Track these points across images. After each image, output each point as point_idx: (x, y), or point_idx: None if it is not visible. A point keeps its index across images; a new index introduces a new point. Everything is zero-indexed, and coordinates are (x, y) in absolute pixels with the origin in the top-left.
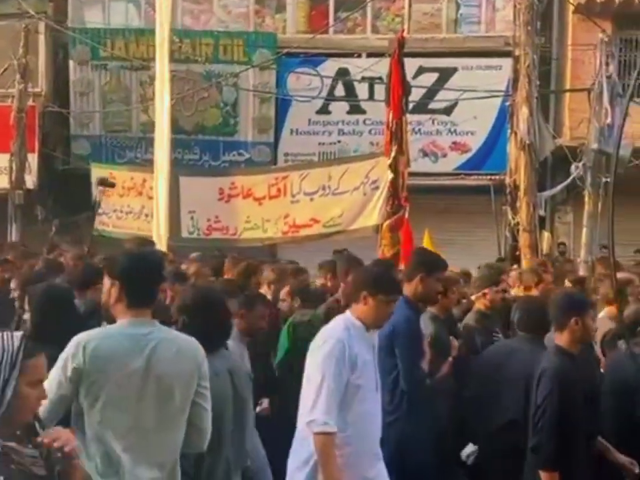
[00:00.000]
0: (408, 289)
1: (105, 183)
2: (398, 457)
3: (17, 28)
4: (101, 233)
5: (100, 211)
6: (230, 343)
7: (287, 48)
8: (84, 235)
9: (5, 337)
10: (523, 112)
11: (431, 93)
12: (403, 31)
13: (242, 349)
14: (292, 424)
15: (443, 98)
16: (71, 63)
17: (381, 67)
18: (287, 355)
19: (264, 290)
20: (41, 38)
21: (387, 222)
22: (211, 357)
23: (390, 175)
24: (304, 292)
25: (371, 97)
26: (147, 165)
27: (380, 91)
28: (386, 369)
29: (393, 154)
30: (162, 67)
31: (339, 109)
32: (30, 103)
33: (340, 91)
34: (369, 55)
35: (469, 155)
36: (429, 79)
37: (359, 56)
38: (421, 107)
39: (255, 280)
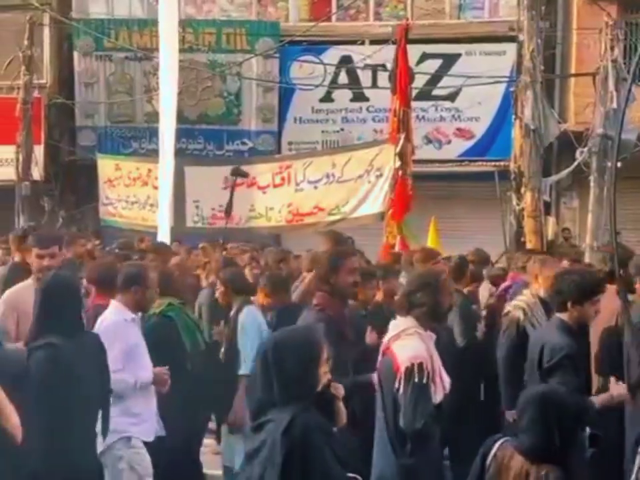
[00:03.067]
0: None
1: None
2: None
3: (21, 20)
4: (107, 223)
5: (106, 201)
6: None
7: (290, 36)
8: (89, 226)
9: None
10: (528, 97)
11: (435, 79)
12: (408, 19)
13: None
14: None
15: (446, 84)
16: (76, 54)
17: (384, 54)
18: None
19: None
20: (46, 30)
21: (391, 210)
22: None
23: (398, 163)
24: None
25: (374, 84)
26: (152, 155)
27: (383, 78)
28: None
29: (401, 142)
30: (170, 56)
31: (342, 96)
32: (35, 94)
33: (343, 78)
34: (372, 42)
35: (473, 141)
36: (433, 65)
37: (362, 43)
38: (425, 94)
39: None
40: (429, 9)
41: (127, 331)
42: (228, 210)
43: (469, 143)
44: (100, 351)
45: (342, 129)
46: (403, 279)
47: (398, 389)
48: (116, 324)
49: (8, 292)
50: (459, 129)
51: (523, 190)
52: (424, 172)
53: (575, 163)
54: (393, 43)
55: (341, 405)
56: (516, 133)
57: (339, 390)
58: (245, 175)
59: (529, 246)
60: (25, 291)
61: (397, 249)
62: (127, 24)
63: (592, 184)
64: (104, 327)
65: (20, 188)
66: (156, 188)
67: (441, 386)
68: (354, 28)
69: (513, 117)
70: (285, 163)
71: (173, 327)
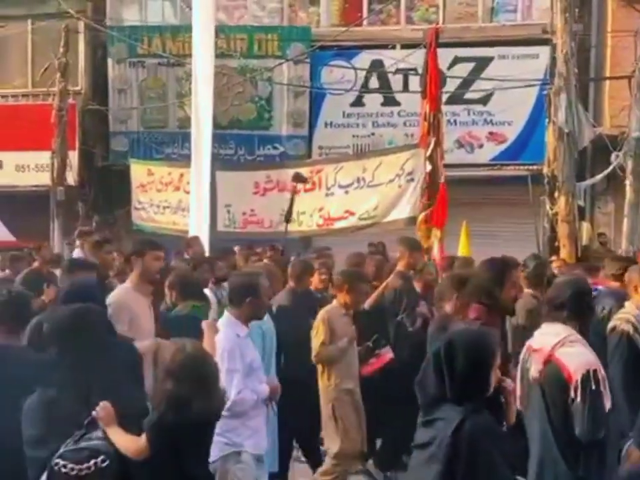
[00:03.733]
0: None
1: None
2: None
3: (57, 28)
4: (139, 227)
5: (138, 205)
6: None
7: (321, 41)
8: (121, 230)
9: None
10: (561, 100)
11: (467, 83)
12: (438, 22)
13: None
14: None
15: (478, 88)
16: (110, 61)
17: (416, 58)
18: None
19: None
20: (81, 37)
21: (423, 214)
22: None
23: (428, 167)
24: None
25: (406, 88)
26: (184, 160)
27: (414, 82)
28: None
29: (431, 146)
30: (205, 62)
31: (373, 101)
32: (70, 101)
33: (374, 83)
34: (403, 47)
35: (505, 145)
36: (465, 69)
37: (393, 47)
38: (457, 98)
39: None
40: (461, 13)
41: (242, 347)
42: (287, 217)
43: (502, 147)
44: (132, 362)
45: (373, 134)
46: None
47: (573, 398)
48: (231, 344)
49: (116, 295)
50: (491, 133)
51: (556, 194)
52: (455, 176)
53: (610, 167)
54: (424, 46)
55: (512, 400)
56: (549, 136)
57: (509, 384)
58: (305, 180)
59: (562, 252)
60: (131, 294)
61: (436, 254)
62: (159, 30)
63: (627, 188)
64: (220, 347)
65: (55, 193)
66: (187, 193)
67: (606, 393)
68: (385, 32)
69: (547, 120)
70: (316, 167)
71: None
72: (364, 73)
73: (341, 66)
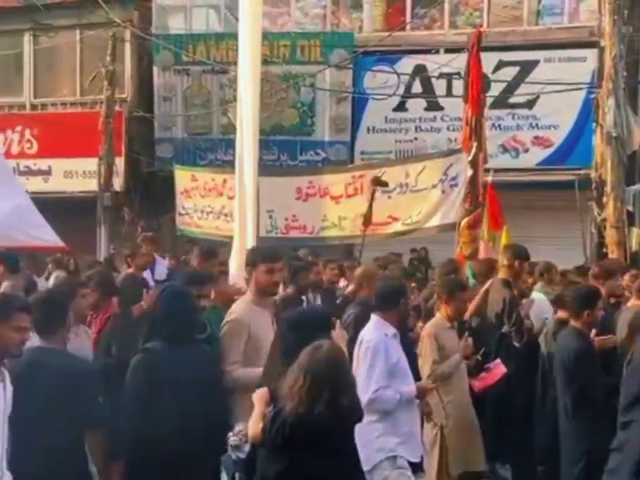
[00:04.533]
0: None
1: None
2: None
3: (104, 37)
4: (184, 232)
5: (182, 211)
6: None
7: (364, 47)
8: (165, 236)
9: None
10: (609, 104)
11: (511, 87)
12: (481, 25)
13: None
14: None
15: (524, 92)
16: (155, 69)
17: (459, 63)
18: None
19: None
20: (127, 45)
21: (465, 219)
22: None
23: (470, 172)
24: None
25: (449, 92)
26: (227, 166)
27: (458, 86)
28: None
29: (473, 150)
30: (251, 69)
31: (416, 106)
32: (117, 108)
33: (417, 87)
34: (447, 51)
35: (551, 149)
36: (509, 72)
37: (437, 52)
38: (501, 102)
39: None
40: (506, 16)
41: (389, 347)
42: (366, 221)
43: (548, 152)
44: (210, 363)
45: (415, 139)
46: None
47: None
48: (377, 341)
49: (237, 312)
50: (536, 137)
51: (604, 199)
52: (500, 181)
53: None
54: (468, 51)
55: None
56: (597, 140)
57: None
58: (385, 184)
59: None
60: (252, 309)
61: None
62: (204, 38)
63: None
64: (364, 344)
65: (102, 199)
66: (230, 198)
67: None
68: (429, 37)
69: (594, 124)
70: (358, 172)
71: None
72: (407, 77)
73: (384, 71)
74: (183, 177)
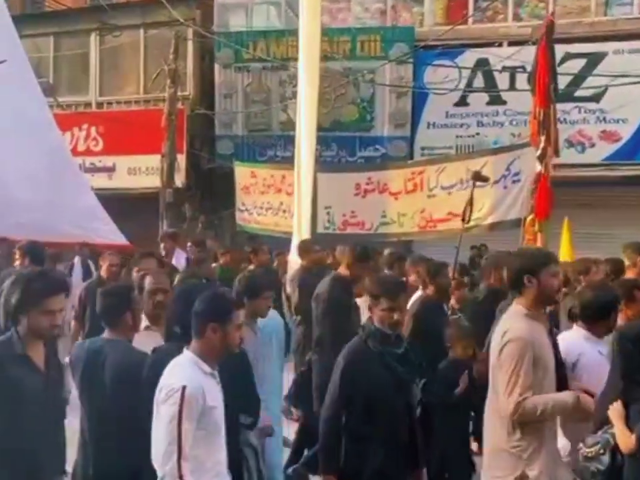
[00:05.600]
0: None
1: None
2: None
3: (167, 36)
4: (243, 228)
5: (242, 207)
6: None
7: (425, 41)
8: (225, 231)
9: None
10: None
11: (577, 80)
12: (553, 13)
13: None
14: None
15: (590, 85)
16: (216, 66)
17: (523, 56)
18: None
19: None
20: (189, 44)
21: (532, 215)
22: None
23: (538, 167)
24: None
25: (512, 86)
26: (286, 162)
27: (521, 80)
28: None
29: (541, 145)
30: (311, 66)
31: (478, 100)
32: (179, 106)
33: (479, 82)
34: (510, 44)
35: (619, 144)
36: (576, 65)
37: (500, 45)
38: (567, 95)
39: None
40: (572, 7)
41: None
42: (465, 216)
43: (615, 146)
44: (237, 366)
45: (477, 134)
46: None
47: None
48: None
49: (516, 328)
50: (603, 131)
51: None
52: (565, 177)
53: None
54: (533, 43)
55: None
56: None
57: None
58: (486, 179)
59: None
60: (531, 325)
61: None
62: (264, 35)
63: None
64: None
65: (164, 195)
66: (289, 194)
67: None
68: (491, 30)
69: None
70: (418, 168)
71: None
72: (468, 72)
73: (445, 65)
74: (242, 173)
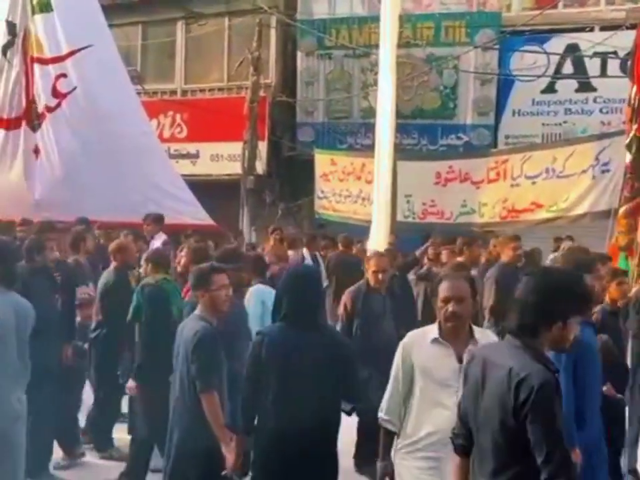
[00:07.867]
0: None
1: None
2: None
3: (250, 24)
4: (321, 216)
5: (321, 194)
6: None
7: (512, 26)
8: (303, 218)
9: None
10: None
11: None
12: None
13: None
14: None
15: None
16: (299, 54)
17: (616, 41)
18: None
19: None
20: (272, 32)
21: (624, 207)
22: None
23: (628, 156)
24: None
25: (603, 73)
26: (367, 150)
27: (614, 66)
28: None
29: (632, 133)
30: (388, 52)
31: (567, 87)
32: (261, 93)
33: (568, 68)
34: (602, 29)
35: None
36: None
37: (591, 30)
38: None
39: None
40: None
41: None
42: None
43: None
44: (327, 353)
45: (565, 122)
46: None
47: None
48: None
49: None
50: None
51: None
52: None
53: None
54: (627, 27)
55: None
56: None
57: None
58: None
59: None
60: None
61: None
62: (347, 22)
63: None
64: None
65: (245, 182)
66: (368, 182)
67: None
68: (582, 14)
69: None
70: (501, 157)
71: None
72: (557, 58)
73: (533, 51)
74: (322, 160)
